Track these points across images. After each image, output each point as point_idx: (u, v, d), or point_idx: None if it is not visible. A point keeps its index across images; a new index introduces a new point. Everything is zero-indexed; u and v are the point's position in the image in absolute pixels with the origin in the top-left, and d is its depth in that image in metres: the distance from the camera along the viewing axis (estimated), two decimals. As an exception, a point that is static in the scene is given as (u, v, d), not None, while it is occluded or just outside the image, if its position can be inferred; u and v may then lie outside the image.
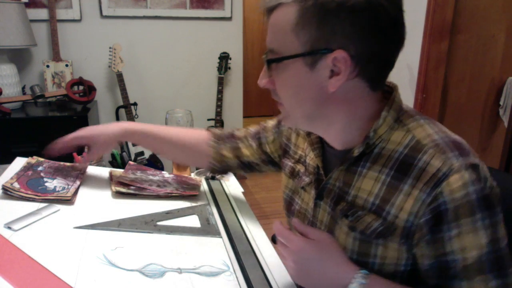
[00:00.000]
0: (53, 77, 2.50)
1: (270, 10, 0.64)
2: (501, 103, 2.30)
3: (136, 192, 0.99)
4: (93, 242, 0.78)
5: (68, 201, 0.92)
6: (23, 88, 2.46)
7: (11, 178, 0.96)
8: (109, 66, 2.59)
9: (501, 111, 2.32)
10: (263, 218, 2.63)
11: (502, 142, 2.24)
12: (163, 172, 1.11)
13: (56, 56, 2.48)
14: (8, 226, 0.80)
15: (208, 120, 2.90)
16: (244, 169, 0.99)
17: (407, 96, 2.23)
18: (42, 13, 2.46)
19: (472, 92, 2.29)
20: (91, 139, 1.00)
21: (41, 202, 0.91)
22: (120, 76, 2.52)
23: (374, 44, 0.60)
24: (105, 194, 0.99)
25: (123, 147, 2.51)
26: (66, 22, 2.53)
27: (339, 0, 0.57)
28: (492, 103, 2.33)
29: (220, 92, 2.82)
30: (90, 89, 2.45)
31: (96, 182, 1.06)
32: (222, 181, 1.17)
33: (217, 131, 1.02)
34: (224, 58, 2.80)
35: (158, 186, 1.03)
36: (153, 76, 2.80)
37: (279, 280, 0.73)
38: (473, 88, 2.28)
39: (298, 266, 0.64)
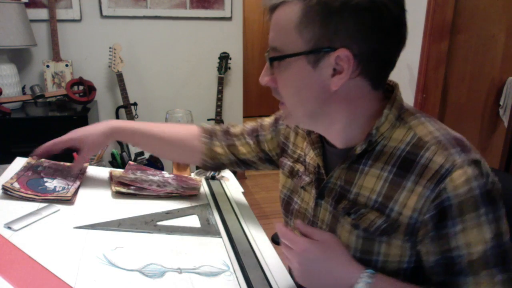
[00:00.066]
0: (53, 77, 2.50)
1: (273, 8, 0.64)
2: (501, 103, 2.30)
3: (136, 192, 0.99)
4: (93, 242, 0.78)
5: (68, 201, 0.92)
6: (23, 88, 2.46)
7: (11, 178, 0.96)
8: (109, 66, 2.59)
9: (501, 111, 2.32)
10: (263, 218, 2.63)
11: (502, 142, 2.24)
12: (163, 172, 1.11)
13: (56, 56, 2.48)
14: (8, 226, 0.80)
15: (208, 120, 2.90)
16: (239, 166, 0.98)
17: (407, 96, 2.23)
18: (42, 13, 2.46)
19: (472, 92, 2.29)
20: (79, 141, 0.99)
21: (41, 202, 0.91)
22: (120, 76, 2.52)
23: (377, 43, 0.60)
24: (105, 194, 0.99)
25: (123, 147, 2.51)
26: (66, 22, 2.53)
27: None
28: (492, 103, 2.34)
29: (220, 92, 2.83)
30: (90, 89, 2.45)
31: (96, 182, 1.06)
32: (222, 181, 1.17)
33: (208, 126, 1.01)
34: (224, 58, 2.80)
35: (158, 186, 1.02)
36: (153, 76, 2.80)
37: (279, 280, 0.73)
38: (473, 88, 2.28)
39: (303, 267, 0.64)
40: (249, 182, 3.24)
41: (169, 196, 1.01)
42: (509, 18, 2.19)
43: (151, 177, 1.07)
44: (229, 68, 2.85)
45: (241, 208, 1.00)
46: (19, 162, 1.07)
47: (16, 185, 0.94)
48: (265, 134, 0.93)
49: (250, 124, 0.97)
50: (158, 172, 1.10)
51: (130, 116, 2.58)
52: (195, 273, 0.72)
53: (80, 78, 2.47)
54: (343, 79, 0.61)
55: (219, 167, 1.01)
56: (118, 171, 1.10)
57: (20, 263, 0.70)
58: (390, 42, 0.61)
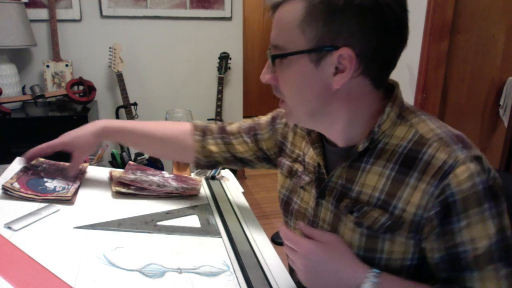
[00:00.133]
0: (53, 77, 2.50)
1: (276, 6, 0.64)
2: (501, 103, 2.31)
3: (136, 192, 0.99)
4: (93, 242, 0.78)
5: (68, 201, 0.92)
6: (23, 88, 2.47)
7: (11, 178, 0.96)
8: (109, 66, 2.59)
9: (501, 111, 2.32)
10: (263, 218, 2.63)
11: (502, 142, 2.25)
12: (163, 172, 1.11)
13: (56, 56, 2.48)
14: (8, 226, 0.80)
15: (208, 120, 2.91)
16: (235, 164, 0.97)
17: (407, 96, 2.23)
18: (42, 13, 2.46)
19: (472, 92, 2.29)
20: (70, 145, 0.98)
21: (41, 202, 0.91)
22: (120, 76, 2.52)
23: (379, 43, 0.60)
24: (105, 194, 0.99)
25: (123, 147, 2.51)
26: (66, 22, 2.53)
27: None
28: (492, 103, 2.34)
29: (220, 92, 2.83)
30: (90, 89, 2.46)
31: (96, 182, 1.06)
32: (222, 181, 1.17)
33: (201, 124, 0.99)
34: (224, 58, 2.80)
35: (158, 186, 1.02)
36: (153, 76, 2.80)
37: (279, 280, 0.73)
38: (473, 88, 2.28)
39: (308, 269, 0.64)
40: (249, 182, 3.24)
41: (169, 196, 1.01)
42: (509, 18, 2.19)
43: (151, 177, 1.07)
44: (229, 68, 2.85)
45: (241, 208, 1.00)
46: (19, 162, 1.07)
47: (16, 185, 0.94)
48: (262, 133, 0.92)
49: (247, 122, 0.96)
50: (158, 172, 1.10)
51: (130, 116, 2.58)
52: (195, 273, 0.72)
53: (80, 78, 2.47)
54: (345, 78, 0.61)
55: (213, 165, 0.99)
56: (118, 171, 1.10)
57: (20, 263, 0.70)
58: (392, 41, 0.62)
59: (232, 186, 1.14)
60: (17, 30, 2.21)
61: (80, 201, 0.94)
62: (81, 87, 2.48)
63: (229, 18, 2.81)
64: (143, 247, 0.79)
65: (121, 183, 1.01)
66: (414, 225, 0.62)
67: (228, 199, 1.05)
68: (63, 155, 1.01)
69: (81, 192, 0.99)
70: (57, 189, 0.96)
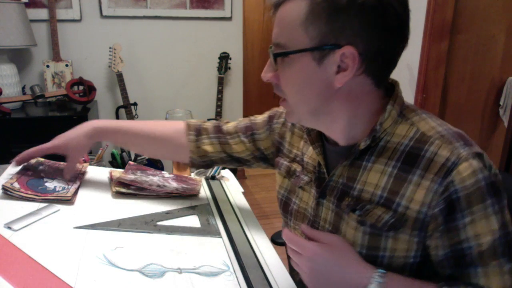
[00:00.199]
0: (53, 77, 2.50)
1: (278, 5, 0.64)
2: (501, 103, 2.31)
3: (136, 192, 0.99)
4: (93, 242, 0.78)
5: (68, 201, 0.92)
6: (23, 88, 2.47)
7: (11, 178, 0.96)
8: (109, 66, 2.59)
9: (501, 111, 2.32)
10: (263, 218, 2.63)
11: (502, 142, 2.24)
12: (163, 172, 1.11)
13: (56, 56, 2.48)
14: (8, 226, 0.80)
15: (208, 120, 2.90)
16: (231, 163, 0.96)
17: (407, 96, 2.22)
18: (42, 13, 2.46)
19: (472, 92, 2.29)
20: (63, 147, 0.97)
21: (41, 202, 0.91)
22: (120, 76, 2.52)
23: (381, 42, 0.60)
24: (105, 194, 0.99)
25: (123, 147, 2.51)
26: (66, 22, 2.53)
27: None
28: (492, 103, 2.34)
29: (220, 92, 2.83)
30: (90, 89, 2.46)
31: (96, 182, 1.06)
32: (222, 181, 1.17)
33: (195, 123, 0.98)
34: (224, 58, 2.80)
35: (158, 186, 1.02)
36: (153, 76, 2.80)
37: (279, 280, 0.73)
38: (473, 88, 2.28)
39: (314, 272, 0.63)
40: (249, 182, 3.24)
41: (169, 196, 1.01)
42: (509, 18, 2.19)
43: (151, 177, 1.07)
44: (229, 68, 2.85)
45: (241, 208, 1.00)
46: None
47: (16, 185, 0.94)
48: (259, 133, 0.92)
49: (244, 122, 0.95)
50: (158, 172, 1.10)
51: (130, 116, 2.58)
52: (195, 273, 0.72)
53: (80, 78, 2.47)
54: (348, 77, 0.61)
55: (208, 165, 0.99)
56: (118, 171, 1.10)
57: (20, 263, 0.70)
58: (394, 41, 0.62)
59: (232, 186, 1.14)
60: (17, 30, 2.21)
61: (80, 201, 0.94)
62: (81, 87, 2.48)
63: (229, 18, 2.82)
64: (143, 247, 0.79)
65: (121, 183, 1.01)
66: (418, 223, 0.62)
67: (228, 199, 1.05)
68: (62, 155, 1.01)
69: (81, 192, 0.99)
70: (57, 189, 0.96)
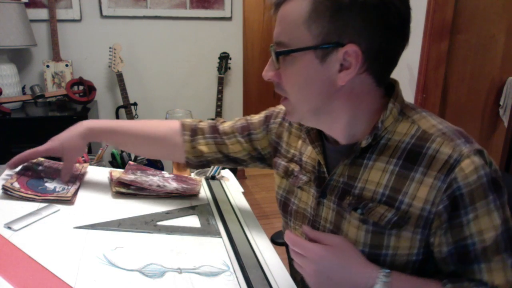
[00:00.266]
0: (53, 77, 2.50)
1: (280, 3, 0.64)
2: (501, 103, 2.31)
3: (136, 192, 0.99)
4: (93, 242, 0.78)
5: (68, 201, 0.92)
6: (23, 88, 2.47)
7: (11, 178, 0.96)
8: (109, 66, 2.59)
9: (501, 111, 2.32)
10: (263, 218, 2.63)
11: (502, 142, 2.24)
12: (163, 172, 1.11)
13: (56, 56, 2.48)
14: (8, 226, 0.80)
15: (209, 120, 2.90)
16: (227, 163, 0.96)
17: (407, 96, 2.22)
18: (42, 13, 2.46)
19: (472, 92, 2.29)
20: (58, 149, 0.97)
21: (41, 202, 0.91)
22: (120, 76, 2.52)
23: (383, 40, 0.61)
24: (105, 194, 0.99)
25: (123, 147, 2.51)
26: (66, 22, 2.53)
27: None
28: (492, 103, 2.34)
29: (220, 92, 2.83)
30: (90, 89, 2.46)
31: (96, 182, 1.06)
32: (222, 181, 1.17)
33: (190, 123, 0.97)
34: (224, 58, 2.80)
35: (158, 186, 1.02)
36: (153, 76, 2.80)
37: (279, 280, 0.73)
38: (473, 88, 2.28)
39: (319, 274, 0.63)
40: (249, 182, 3.24)
41: (169, 196, 1.01)
42: (509, 18, 2.19)
43: (151, 177, 1.07)
44: (229, 68, 2.85)
45: (241, 208, 1.00)
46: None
47: (16, 185, 0.94)
48: (256, 133, 0.91)
49: (240, 122, 0.94)
50: (158, 172, 1.10)
51: (130, 116, 2.59)
52: (195, 273, 0.72)
53: (80, 78, 2.47)
54: (350, 75, 0.61)
55: (203, 165, 0.98)
56: (118, 171, 1.10)
57: (20, 263, 0.70)
58: (395, 39, 0.62)
59: (232, 186, 1.14)
60: (17, 30, 2.21)
61: (80, 201, 0.94)
62: (81, 87, 2.48)
63: (229, 18, 2.82)
64: (143, 247, 0.79)
65: (121, 183, 1.01)
66: (421, 220, 0.63)
67: (228, 199, 1.05)
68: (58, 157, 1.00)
69: (81, 192, 0.99)
70: (57, 189, 0.96)
